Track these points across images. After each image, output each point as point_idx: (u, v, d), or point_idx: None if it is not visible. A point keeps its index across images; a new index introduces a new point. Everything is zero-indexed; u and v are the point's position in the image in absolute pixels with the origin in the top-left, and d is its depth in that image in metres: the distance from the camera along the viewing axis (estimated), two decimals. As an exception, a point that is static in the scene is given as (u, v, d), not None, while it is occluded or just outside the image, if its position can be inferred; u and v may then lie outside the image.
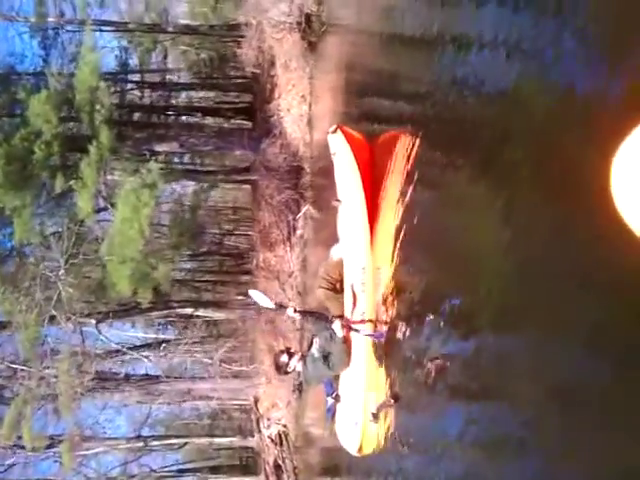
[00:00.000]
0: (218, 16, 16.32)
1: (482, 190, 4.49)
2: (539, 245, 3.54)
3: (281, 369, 7.08)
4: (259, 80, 15.31)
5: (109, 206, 13.98)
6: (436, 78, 5.70)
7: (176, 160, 14.54)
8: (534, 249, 3.59)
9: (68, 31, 15.98)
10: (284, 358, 6.94)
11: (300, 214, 13.26)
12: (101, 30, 16.57)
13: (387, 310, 6.50)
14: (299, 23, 12.61)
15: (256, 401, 16.20)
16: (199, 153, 14.71)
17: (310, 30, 12.88)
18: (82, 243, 13.12)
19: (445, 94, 5.51)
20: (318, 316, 7.09)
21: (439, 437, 5.17)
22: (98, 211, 14.14)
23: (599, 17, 3.00)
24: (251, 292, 7.82)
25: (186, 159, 15.06)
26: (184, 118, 19.50)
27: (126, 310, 14.90)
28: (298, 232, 13.89)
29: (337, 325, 6.58)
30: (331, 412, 7.15)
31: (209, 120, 20.23)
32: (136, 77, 19.38)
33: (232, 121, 19.84)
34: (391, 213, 6.45)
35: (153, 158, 14.30)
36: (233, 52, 18.18)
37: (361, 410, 6.58)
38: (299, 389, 13.95)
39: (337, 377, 7.00)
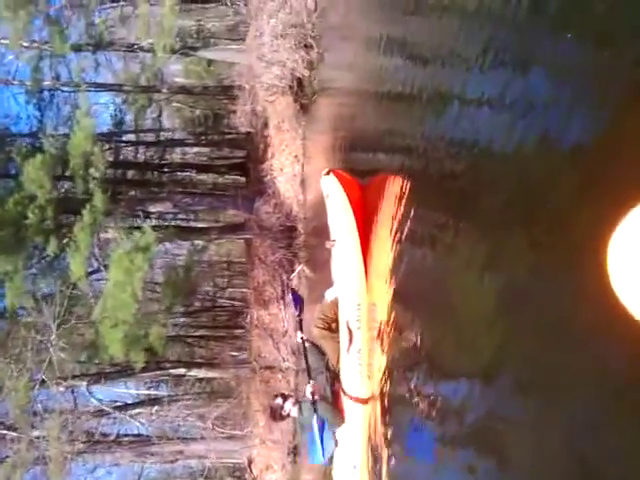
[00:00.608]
0: (212, 76, 16.60)
1: (470, 244, 4.52)
2: (527, 296, 3.52)
3: (276, 413, 6.97)
4: (253, 140, 15.50)
5: (102, 268, 13.99)
6: (425, 134, 5.84)
7: (170, 219, 14.48)
8: (522, 299, 3.58)
9: (63, 91, 16.18)
10: (278, 401, 6.86)
11: (294, 274, 13.25)
12: (96, 91, 16.80)
13: (382, 348, 6.44)
14: (291, 87, 12.81)
15: (250, 462, 15.91)
16: (193, 212, 14.70)
17: (302, 93, 13.08)
18: (74, 306, 13.03)
19: (433, 148, 5.65)
20: (319, 352, 7.01)
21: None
22: (91, 273, 14.14)
23: (590, 70, 3.05)
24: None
25: (180, 218, 15.02)
26: (178, 174, 19.71)
27: (118, 372, 14.72)
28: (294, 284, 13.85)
29: (308, 388, 6.56)
30: (328, 457, 7.03)
31: (203, 176, 20.52)
32: (131, 134, 19.61)
33: (226, 177, 20.13)
34: (384, 251, 6.51)
35: (147, 220, 14.46)
36: (227, 110, 18.50)
37: (360, 452, 6.51)
38: (294, 452, 13.70)
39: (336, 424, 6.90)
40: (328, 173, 7.13)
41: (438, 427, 5.02)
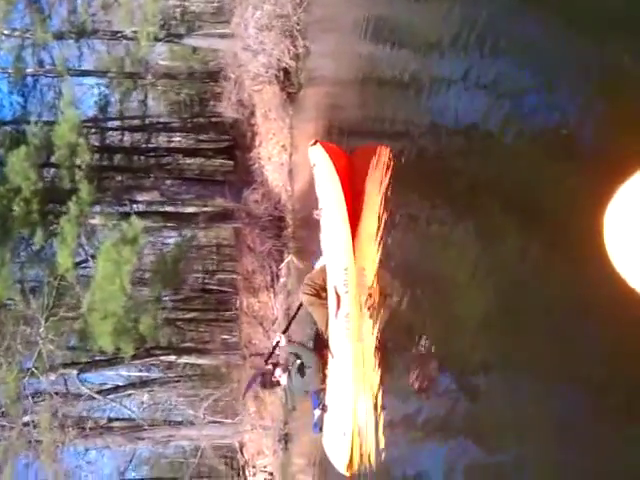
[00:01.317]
0: (197, 60, 16.42)
1: (462, 234, 4.59)
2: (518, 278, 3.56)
3: (266, 380, 7.10)
4: (240, 127, 15.39)
5: (90, 258, 13.98)
6: (413, 120, 5.88)
7: (157, 208, 14.44)
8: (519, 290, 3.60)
9: (47, 77, 15.95)
10: (268, 367, 7.00)
11: (283, 264, 13.30)
12: (80, 76, 16.57)
13: (372, 311, 6.53)
14: (277, 76, 12.71)
15: (241, 447, 16.12)
16: (180, 200, 14.65)
17: (289, 82, 12.99)
18: (63, 297, 13.02)
19: (418, 133, 5.70)
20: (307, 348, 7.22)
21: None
22: (79, 263, 14.12)
23: (586, 66, 3.06)
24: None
25: (167, 206, 14.96)
26: (165, 158, 19.58)
27: (108, 360, 14.79)
28: (282, 280, 13.92)
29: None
30: (318, 425, 7.11)
31: (190, 160, 20.40)
32: (116, 119, 19.39)
33: (213, 160, 20.01)
34: (372, 217, 6.60)
35: (134, 210, 14.39)
36: (213, 95, 18.31)
37: (350, 419, 6.54)
38: (285, 439, 13.90)
39: (323, 388, 6.99)
40: (315, 143, 7.17)
41: (428, 401, 5.07)
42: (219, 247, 20.78)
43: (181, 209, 16.98)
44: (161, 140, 20.66)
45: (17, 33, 13.98)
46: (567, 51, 3.19)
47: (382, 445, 6.19)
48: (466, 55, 4.46)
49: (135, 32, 13.26)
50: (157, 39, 13.37)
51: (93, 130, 18.38)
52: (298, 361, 7.00)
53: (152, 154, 19.40)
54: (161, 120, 20.54)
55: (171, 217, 16.03)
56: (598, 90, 2.90)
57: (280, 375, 6.99)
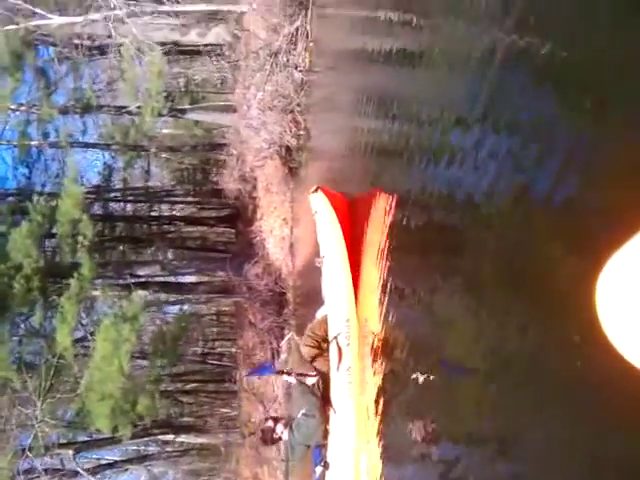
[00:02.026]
0: (200, 131, 16.61)
1: (460, 307, 4.45)
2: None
3: (267, 437, 6.76)
4: (241, 199, 15.41)
5: (89, 335, 13.78)
6: (414, 189, 5.86)
7: (157, 282, 14.32)
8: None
9: (51, 147, 16.08)
10: (269, 424, 6.66)
11: (284, 341, 13.05)
12: (84, 148, 16.74)
13: (375, 364, 6.29)
14: (279, 152, 12.78)
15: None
16: (181, 274, 14.53)
17: (290, 157, 13.05)
18: (60, 375, 12.75)
19: (417, 202, 5.66)
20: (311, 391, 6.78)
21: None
22: (78, 340, 13.91)
23: (575, 132, 3.03)
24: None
25: (168, 280, 14.84)
26: (167, 227, 19.60)
27: (105, 439, 14.40)
28: (282, 357, 13.64)
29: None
30: None
31: (191, 228, 20.42)
32: (119, 187, 19.52)
33: (215, 229, 20.02)
34: (373, 267, 6.44)
35: (134, 284, 14.26)
36: (216, 166, 18.47)
37: (352, 476, 6.32)
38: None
39: (325, 444, 6.63)
40: (316, 190, 7.05)
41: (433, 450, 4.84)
42: (219, 317, 20.54)
43: (181, 279, 16.92)
44: (164, 208, 20.75)
45: (23, 108, 14.14)
46: (569, 128, 3.12)
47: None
48: (468, 129, 4.48)
49: (139, 107, 13.40)
50: (161, 114, 13.48)
51: (96, 198, 18.54)
52: (301, 413, 6.74)
53: (154, 222, 19.46)
54: (164, 188, 20.67)
55: (171, 288, 15.93)
56: (602, 172, 2.80)
57: (282, 431, 6.70)
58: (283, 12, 11.22)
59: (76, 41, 14.68)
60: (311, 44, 9.98)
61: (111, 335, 12.04)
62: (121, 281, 14.28)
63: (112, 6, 12.80)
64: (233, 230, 18.55)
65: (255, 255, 14.58)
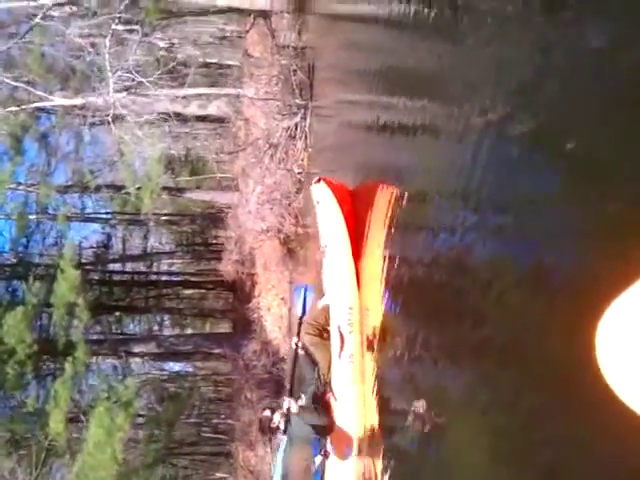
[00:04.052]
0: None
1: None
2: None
3: (265, 427, 6.54)
4: (240, 278, 15.36)
5: (82, 415, 13.60)
6: (412, 256, 5.86)
7: (153, 362, 14.21)
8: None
9: (49, 220, 16.12)
10: (267, 413, 6.36)
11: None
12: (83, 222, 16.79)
13: (375, 353, 6.16)
14: (278, 237, 12.79)
15: None
16: (178, 352, 14.43)
17: (289, 239, 13.07)
18: (51, 461, 12.56)
19: (413, 270, 5.63)
20: (312, 361, 6.57)
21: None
22: (71, 420, 13.72)
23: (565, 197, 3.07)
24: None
25: (164, 360, 14.74)
26: (165, 290, 19.56)
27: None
28: (279, 436, 13.43)
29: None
30: (320, 473, 6.45)
31: (190, 291, 20.37)
32: (118, 249, 19.52)
33: (213, 292, 19.95)
34: (375, 256, 6.36)
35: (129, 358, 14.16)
36: (215, 226, 18.49)
37: (352, 465, 6.06)
38: None
39: (324, 434, 6.34)
40: (318, 181, 6.93)
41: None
42: (216, 386, 20.08)
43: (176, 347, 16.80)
44: (162, 270, 20.71)
45: (22, 187, 14.20)
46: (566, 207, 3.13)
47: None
48: (465, 204, 4.48)
49: (138, 189, 13.44)
50: (159, 195, 13.54)
51: (94, 263, 18.56)
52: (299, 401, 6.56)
53: (152, 287, 19.41)
54: (162, 250, 20.68)
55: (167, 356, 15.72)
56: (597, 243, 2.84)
57: (279, 421, 6.50)
58: (283, 103, 11.36)
59: (77, 111, 14.87)
60: (310, 150, 10.07)
61: (105, 422, 11.87)
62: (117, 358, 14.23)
63: (111, 88, 12.91)
64: (231, 294, 18.52)
65: (253, 332, 14.50)
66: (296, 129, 10.52)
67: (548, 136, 3.17)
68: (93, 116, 14.45)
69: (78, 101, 13.38)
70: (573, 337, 2.68)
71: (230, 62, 16.28)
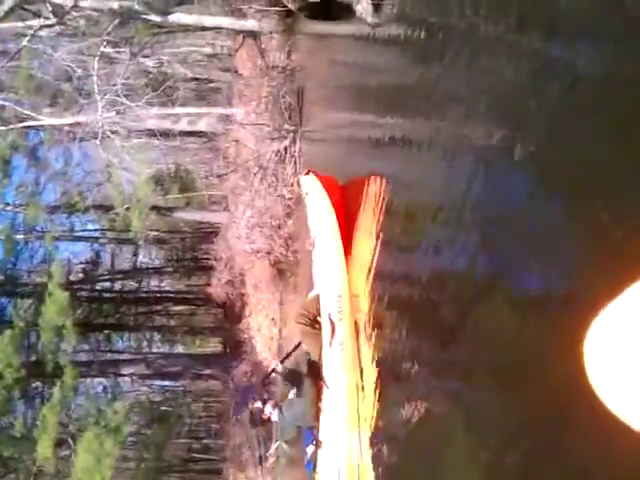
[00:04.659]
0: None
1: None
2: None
3: (256, 418, 6.45)
4: (229, 298, 15.27)
5: (70, 439, 13.45)
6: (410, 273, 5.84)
7: (142, 381, 14.09)
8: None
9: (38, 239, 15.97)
10: (258, 404, 6.37)
11: (272, 448, 12.77)
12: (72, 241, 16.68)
13: (366, 339, 6.22)
14: (268, 258, 12.72)
15: None
16: (167, 373, 14.32)
17: (279, 261, 13.00)
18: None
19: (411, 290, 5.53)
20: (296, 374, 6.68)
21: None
22: (59, 444, 13.57)
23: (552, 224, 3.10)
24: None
25: (153, 379, 14.62)
26: (154, 307, 19.43)
27: None
28: (270, 460, 13.35)
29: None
30: (312, 463, 6.42)
31: (179, 308, 20.26)
32: (107, 266, 19.39)
33: (203, 309, 19.85)
34: (365, 246, 6.44)
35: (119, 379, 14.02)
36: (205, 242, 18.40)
37: (345, 454, 6.06)
38: None
39: (317, 426, 6.35)
40: (308, 173, 7.10)
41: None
42: (207, 406, 19.90)
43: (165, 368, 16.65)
44: (152, 285, 20.61)
45: (9, 208, 14.08)
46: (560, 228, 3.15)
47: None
48: (460, 227, 4.42)
49: (127, 209, 13.34)
50: (148, 215, 13.44)
51: (83, 280, 18.43)
52: (291, 393, 6.45)
53: (142, 303, 19.28)
54: (152, 265, 20.57)
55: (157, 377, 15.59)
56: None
57: (270, 412, 6.43)
58: (272, 127, 11.31)
59: (66, 127, 14.76)
60: (299, 176, 10.03)
61: (93, 447, 11.76)
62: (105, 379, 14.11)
63: (100, 108, 12.79)
64: (221, 310, 18.42)
65: (243, 353, 14.42)
66: (286, 152, 10.47)
67: (540, 159, 3.19)
68: (82, 138, 14.40)
69: (67, 120, 13.28)
70: (563, 352, 2.68)
71: (219, 80, 16.23)
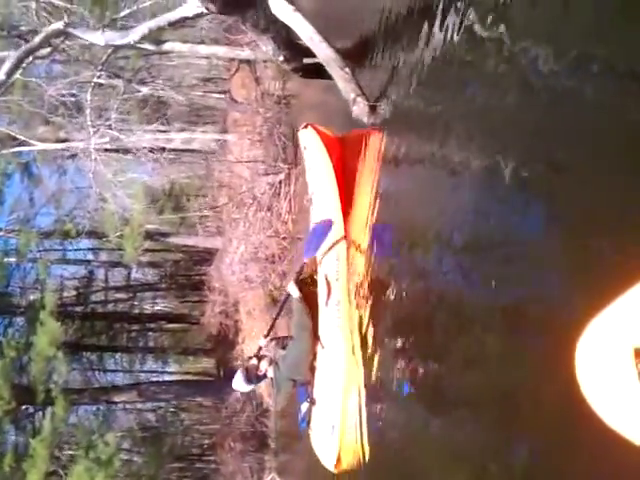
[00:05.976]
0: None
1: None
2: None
3: (251, 374, 6.34)
4: (223, 327, 15.14)
5: (60, 470, 13.33)
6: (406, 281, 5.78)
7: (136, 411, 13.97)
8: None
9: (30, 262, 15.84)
10: (254, 362, 6.17)
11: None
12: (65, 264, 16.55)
13: (363, 300, 6.01)
14: (263, 288, 12.62)
15: None
16: (160, 401, 14.21)
17: (274, 290, 12.90)
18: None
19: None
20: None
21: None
22: (49, 474, 13.45)
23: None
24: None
25: (147, 407, 14.51)
26: (148, 324, 19.32)
27: None
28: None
29: (292, 286, 6.07)
30: (305, 420, 6.28)
31: (172, 326, 20.16)
32: (100, 283, 19.27)
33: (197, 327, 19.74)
34: (365, 201, 6.20)
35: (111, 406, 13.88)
36: (197, 270, 18.30)
37: (339, 410, 5.89)
38: None
39: (311, 381, 6.15)
40: (306, 127, 6.78)
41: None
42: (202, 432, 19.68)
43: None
44: (145, 303, 20.49)
45: (1, 233, 13.96)
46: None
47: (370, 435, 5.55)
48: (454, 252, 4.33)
49: (120, 237, 13.23)
50: (142, 244, 13.33)
51: (77, 297, 18.31)
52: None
53: (135, 322, 19.16)
54: (146, 282, 20.43)
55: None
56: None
57: (266, 368, 6.31)
58: (267, 158, 11.24)
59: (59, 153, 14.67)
60: (294, 216, 9.93)
61: (84, 482, 11.64)
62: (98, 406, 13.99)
63: (92, 135, 12.66)
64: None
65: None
66: (280, 186, 10.38)
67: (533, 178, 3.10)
68: (74, 155, 14.29)
69: (60, 146, 13.18)
70: (554, 374, 2.60)
71: (214, 105, 16.15)
